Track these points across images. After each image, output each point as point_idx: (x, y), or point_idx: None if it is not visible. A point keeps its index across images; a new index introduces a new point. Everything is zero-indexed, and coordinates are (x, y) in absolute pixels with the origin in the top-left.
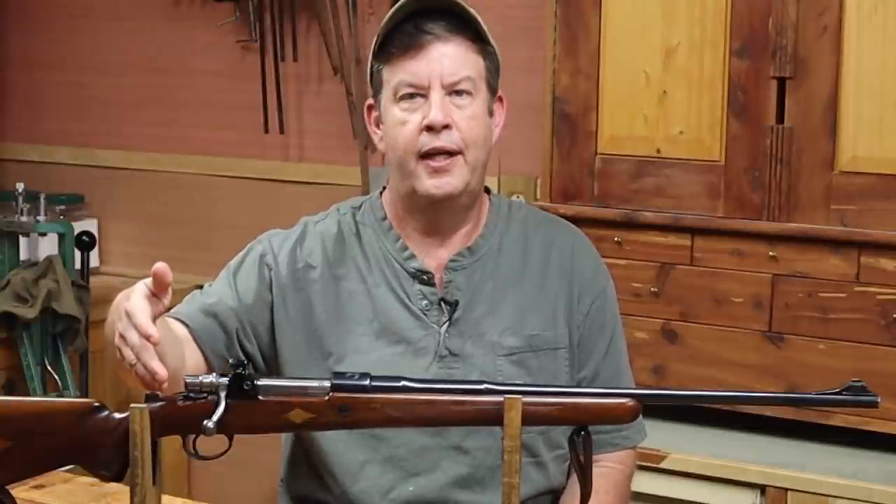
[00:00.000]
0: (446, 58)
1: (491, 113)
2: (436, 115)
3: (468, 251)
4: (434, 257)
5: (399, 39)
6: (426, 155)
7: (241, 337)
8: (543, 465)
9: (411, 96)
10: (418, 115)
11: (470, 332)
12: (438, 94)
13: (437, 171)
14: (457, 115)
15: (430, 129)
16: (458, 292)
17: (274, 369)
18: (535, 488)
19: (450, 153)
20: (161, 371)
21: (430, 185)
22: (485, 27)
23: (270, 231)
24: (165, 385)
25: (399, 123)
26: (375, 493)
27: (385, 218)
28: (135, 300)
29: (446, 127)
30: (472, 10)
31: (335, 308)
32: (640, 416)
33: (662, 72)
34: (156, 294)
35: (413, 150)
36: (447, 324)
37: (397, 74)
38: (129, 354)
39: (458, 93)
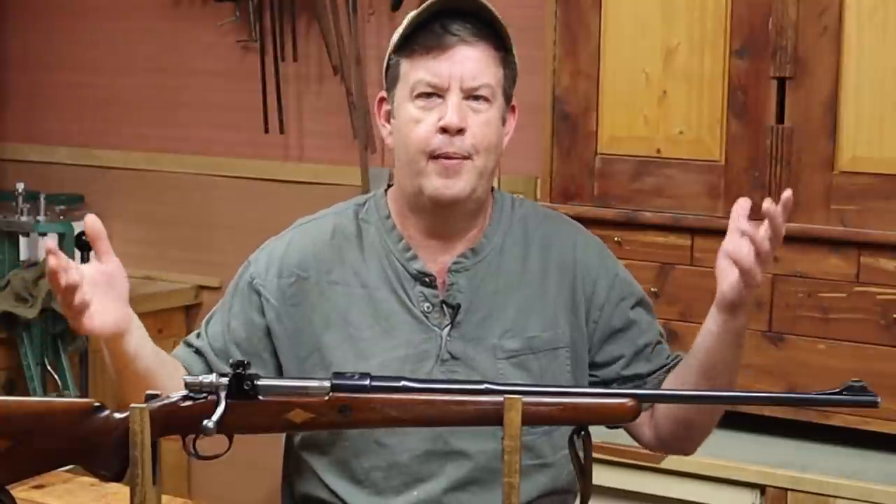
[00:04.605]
0: (469, 61)
1: (503, 122)
2: (451, 118)
3: (471, 252)
4: (436, 260)
5: (424, 37)
6: (437, 156)
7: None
8: (549, 465)
9: (428, 95)
10: (434, 114)
11: (471, 336)
12: (456, 97)
13: (447, 171)
14: (472, 120)
15: (444, 130)
16: (460, 295)
17: None
18: (539, 490)
19: (461, 157)
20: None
21: (440, 184)
22: (510, 37)
23: (261, 249)
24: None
25: (413, 121)
26: (380, 500)
27: (389, 216)
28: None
29: (460, 131)
30: (499, 17)
31: (333, 315)
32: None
33: (662, 72)
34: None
35: (425, 149)
36: (449, 327)
37: (417, 72)
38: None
39: (476, 98)
